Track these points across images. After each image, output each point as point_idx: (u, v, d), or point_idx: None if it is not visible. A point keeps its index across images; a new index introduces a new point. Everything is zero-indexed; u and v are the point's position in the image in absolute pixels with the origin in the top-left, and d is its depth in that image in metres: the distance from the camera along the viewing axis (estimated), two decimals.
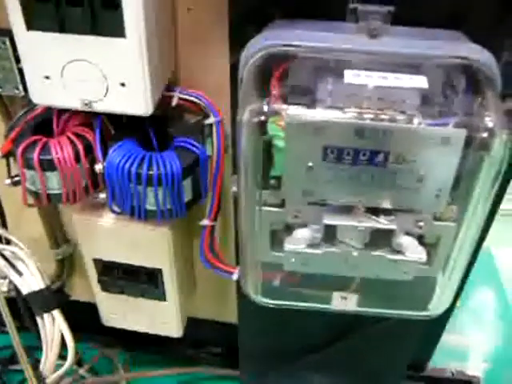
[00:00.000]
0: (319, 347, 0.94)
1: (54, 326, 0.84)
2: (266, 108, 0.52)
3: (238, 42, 0.62)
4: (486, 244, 0.83)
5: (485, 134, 0.51)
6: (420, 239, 0.61)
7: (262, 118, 0.52)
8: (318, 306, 0.70)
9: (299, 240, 0.60)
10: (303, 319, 0.82)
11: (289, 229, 0.61)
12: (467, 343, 1.28)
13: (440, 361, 1.17)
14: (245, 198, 0.58)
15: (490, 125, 0.51)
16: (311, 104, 0.53)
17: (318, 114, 0.51)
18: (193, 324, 1.09)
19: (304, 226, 0.60)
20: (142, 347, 1.19)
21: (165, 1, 0.69)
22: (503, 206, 0.76)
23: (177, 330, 1.02)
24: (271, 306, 0.69)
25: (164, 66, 0.72)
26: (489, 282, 1.42)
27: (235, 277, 0.83)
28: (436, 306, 0.66)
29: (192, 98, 0.76)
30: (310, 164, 0.53)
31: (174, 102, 0.76)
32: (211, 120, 0.76)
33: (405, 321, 0.70)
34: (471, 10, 0.60)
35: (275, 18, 0.61)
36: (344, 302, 0.68)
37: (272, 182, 0.57)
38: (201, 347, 1.21)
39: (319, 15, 0.60)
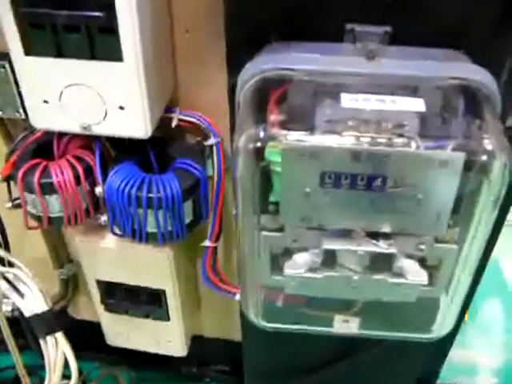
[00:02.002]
0: (324, 365, 0.93)
1: (56, 349, 0.83)
2: (262, 134, 0.51)
3: (235, 63, 0.61)
4: (494, 256, 0.82)
5: (484, 157, 0.50)
6: (422, 261, 0.60)
7: (259, 144, 0.51)
8: (320, 329, 0.70)
9: (299, 264, 0.59)
10: (308, 338, 0.81)
11: (289, 253, 0.60)
12: (476, 358, 1.26)
13: (449, 376, 1.16)
14: (243, 222, 0.57)
15: (490, 147, 0.50)
16: (308, 129, 0.52)
17: (315, 140, 0.51)
18: (198, 342, 1.09)
19: (304, 250, 0.59)
20: (148, 366, 1.19)
21: (162, 24, 0.69)
22: None
23: (181, 349, 1.02)
24: (272, 329, 0.69)
25: (163, 88, 0.72)
26: (497, 296, 1.40)
27: (238, 297, 0.83)
28: (439, 328, 0.65)
29: (192, 119, 0.76)
30: (308, 190, 0.52)
31: (174, 123, 0.76)
32: (211, 141, 0.76)
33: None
34: (470, 30, 0.59)
35: (272, 40, 0.60)
36: (346, 326, 0.68)
37: (271, 207, 0.57)
38: (207, 365, 1.21)
39: (316, 37, 0.59)
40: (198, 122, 0.76)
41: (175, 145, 0.79)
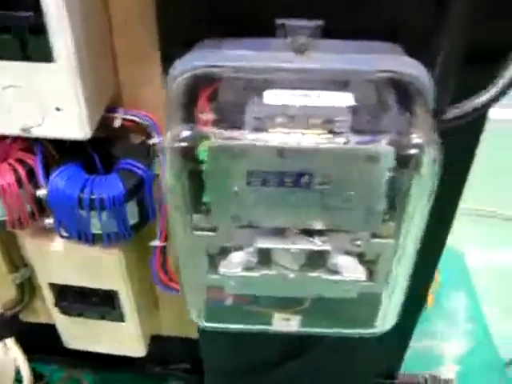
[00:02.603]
0: (282, 362, 0.93)
1: (6, 355, 0.82)
2: (188, 133, 0.50)
3: (169, 61, 0.60)
4: (458, 246, 0.82)
5: (413, 152, 0.50)
6: (361, 257, 0.60)
7: (185, 143, 0.50)
8: (261, 327, 0.69)
9: (234, 264, 0.58)
10: (262, 335, 0.81)
11: (225, 252, 0.59)
12: (439, 346, 1.27)
13: (412, 366, 1.16)
14: (175, 223, 0.57)
15: (418, 142, 0.50)
16: (235, 127, 0.51)
17: (240, 138, 0.50)
18: (159, 341, 1.08)
19: (240, 249, 0.58)
20: (111, 367, 1.18)
21: (97, 23, 0.68)
22: (476, 206, 0.75)
23: (139, 349, 1.01)
24: (215, 329, 0.68)
25: (101, 88, 0.71)
26: (460, 284, 1.40)
27: None
28: (383, 323, 0.65)
29: (135, 118, 0.75)
30: (236, 189, 0.51)
31: (117, 123, 0.75)
32: (155, 140, 0.75)
33: None
34: (405, 22, 0.59)
35: (204, 37, 0.59)
36: (285, 324, 0.67)
37: (204, 206, 0.56)
38: (169, 364, 1.20)
39: (249, 33, 0.58)
40: (140, 120, 0.75)
41: (119, 145, 0.78)
